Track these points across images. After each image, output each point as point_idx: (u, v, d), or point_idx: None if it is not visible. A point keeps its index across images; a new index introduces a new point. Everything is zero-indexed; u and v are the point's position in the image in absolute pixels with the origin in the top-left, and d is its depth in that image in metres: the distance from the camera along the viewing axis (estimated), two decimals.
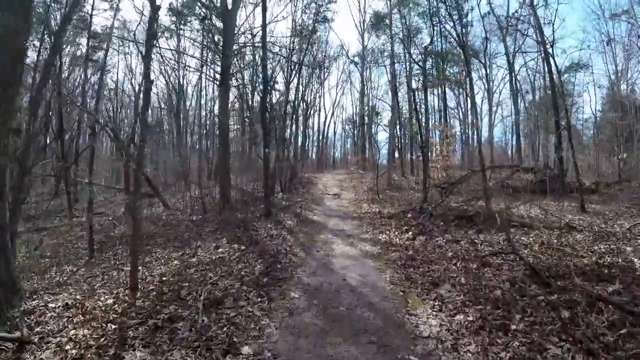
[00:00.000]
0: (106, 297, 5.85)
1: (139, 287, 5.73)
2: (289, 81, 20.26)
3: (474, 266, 6.32)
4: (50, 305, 5.94)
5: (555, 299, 4.80)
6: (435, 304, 4.74)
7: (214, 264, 6.49)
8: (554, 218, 9.91)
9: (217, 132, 18.13)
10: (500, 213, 9.35)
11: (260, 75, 17.40)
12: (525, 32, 20.56)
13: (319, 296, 4.98)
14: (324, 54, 29.74)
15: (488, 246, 7.58)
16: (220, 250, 7.44)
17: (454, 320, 4.27)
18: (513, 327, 4.08)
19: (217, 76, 15.38)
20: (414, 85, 28.11)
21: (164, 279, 6.02)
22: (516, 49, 24.54)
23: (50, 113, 16.86)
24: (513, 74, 25.19)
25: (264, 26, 11.26)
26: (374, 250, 7.85)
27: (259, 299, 4.73)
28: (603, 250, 6.87)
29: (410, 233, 9.14)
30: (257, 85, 21.20)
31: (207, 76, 20.18)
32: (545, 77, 25.61)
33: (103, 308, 5.36)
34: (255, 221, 10.48)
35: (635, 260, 6.17)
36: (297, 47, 21.14)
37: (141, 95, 5.93)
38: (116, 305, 5.33)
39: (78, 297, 6.20)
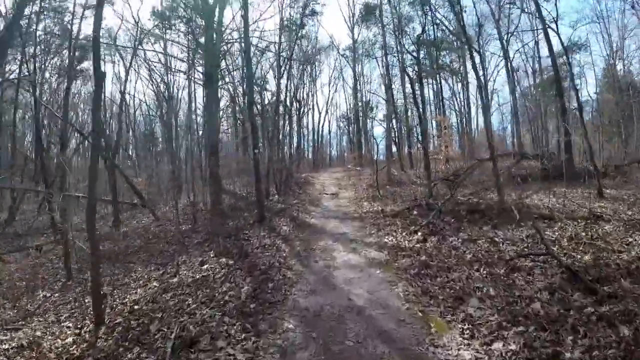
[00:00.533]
0: (68, 333, 4.95)
1: (105, 320, 4.80)
2: (279, 78, 19.30)
3: (501, 272, 5.40)
4: (2, 346, 5.06)
5: (609, 311, 3.90)
6: (465, 327, 3.79)
7: (196, 285, 5.55)
8: (574, 206, 9.00)
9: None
10: (517, 205, 8.42)
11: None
12: (526, 9, 19.45)
13: (318, 325, 4.02)
14: (314, 49, 28.73)
15: (511, 245, 6.64)
16: (205, 267, 6.50)
17: (491, 350, 3.35)
18: (567, 355, 3.18)
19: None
20: (407, 77, 27.32)
21: (135, 307, 5.08)
22: (509, 34, 23.61)
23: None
24: (508, 60, 24.21)
25: (245, 14, 10.32)
26: (381, 256, 6.90)
27: (243, 335, 3.76)
28: None
29: (419, 234, 8.19)
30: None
31: (195, 79, 19.22)
32: (541, 61, 24.95)
33: (60, 349, 4.46)
34: (248, 229, 9.54)
35: None
36: (286, 45, 20.21)
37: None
38: (75, 346, 4.43)
39: (39, 333, 5.31)
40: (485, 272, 5.47)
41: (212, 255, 7.22)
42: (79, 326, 5.10)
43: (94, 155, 4.50)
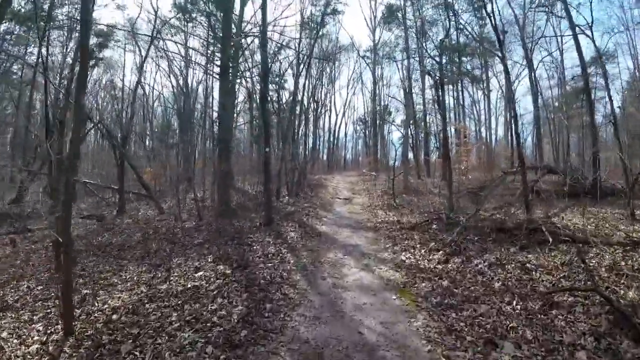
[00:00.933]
0: (34, 339, 4.33)
1: (75, 330, 4.16)
2: (297, 77, 18.63)
3: (537, 307, 4.57)
4: None
5: None
6: None
7: (184, 296, 4.87)
8: (607, 229, 8.00)
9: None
10: (548, 225, 7.50)
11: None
12: (557, 14, 18.28)
13: None
14: (334, 49, 28.03)
15: (545, 273, 5.74)
16: (199, 274, 5.81)
17: None
18: None
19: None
20: (427, 82, 26.47)
21: (113, 317, 4.44)
22: (533, 42, 22.39)
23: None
24: (532, 69, 22.95)
25: (264, 4, 9.65)
26: (397, 277, 6.11)
27: None
28: None
29: (440, 252, 7.38)
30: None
31: (212, 73, 18.73)
32: (564, 71, 23.70)
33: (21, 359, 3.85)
34: (253, 232, 8.85)
35: None
36: (306, 43, 19.58)
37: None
38: (37, 358, 3.80)
39: (5, 334, 4.71)
40: (518, 306, 4.65)
41: (209, 260, 6.54)
42: (48, 331, 4.48)
43: (75, 137, 3.86)
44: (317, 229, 10.02)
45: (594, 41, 14.34)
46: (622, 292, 4.70)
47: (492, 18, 9.55)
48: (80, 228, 11.87)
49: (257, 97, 19.81)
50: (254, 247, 7.47)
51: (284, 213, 11.31)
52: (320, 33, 20.72)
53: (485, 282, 5.62)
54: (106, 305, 4.91)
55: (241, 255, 6.70)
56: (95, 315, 4.65)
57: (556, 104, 25.55)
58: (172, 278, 5.76)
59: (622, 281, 5.05)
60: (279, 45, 15.32)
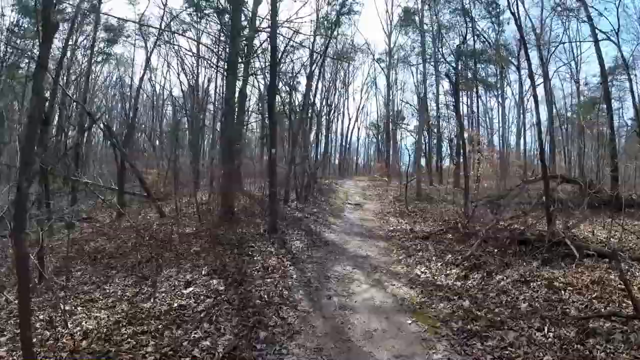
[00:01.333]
0: None
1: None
2: (309, 78, 17.99)
3: (571, 334, 3.85)
4: None
5: None
6: None
7: (167, 319, 4.22)
8: (631, 242, 7.37)
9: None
10: (572, 238, 6.70)
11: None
12: (582, 18, 17.38)
13: None
14: (349, 50, 27.35)
15: (575, 293, 4.96)
16: (189, 290, 5.16)
17: None
18: None
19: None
20: (442, 88, 25.79)
21: (82, 344, 3.79)
22: (549, 52, 21.68)
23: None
24: (547, 79, 22.23)
25: None
26: (413, 296, 5.40)
27: None
28: None
29: (459, 267, 6.63)
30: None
31: (221, 69, 18.17)
32: (579, 81, 23.35)
33: None
34: (256, 239, 8.20)
35: None
36: (320, 43, 18.98)
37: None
38: None
39: None
40: (551, 334, 3.91)
41: (203, 273, 5.88)
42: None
43: (32, 127, 3.26)
44: (325, 237, 9.38)
45: (619, 47, 13.53)
46: None
47: (517, 17, 8.76)
48: (76, 232, 11.35)
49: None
50: (255, 258, 6.80)
51: (291, 219, 10.68)
52: (335, 33, 20.15)
53: (510, 303, 4.89)
54: (79, 328, 4.27)
55: (239, 268, 6.03)
56: (64, 340, 4.02)
57: (569, 113, 25.17)
58: (158, 294, 5.11)
59: None
60: (292, 44, 14.63)
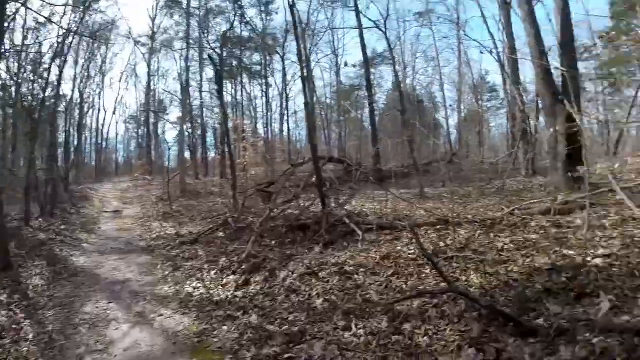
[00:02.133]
0: None
1: None
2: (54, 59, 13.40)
3: (383, 325, 3.29)
4: None
5: None
6: None
7: None
8: (406, 211, 7.49)
9: None
10: (350, 217, 6.60)
11: None
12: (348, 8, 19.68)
13: None
14: (106, 28, 21.95)
15: (369, 274, 4.37)
16: None
17: None
18: None
19: None
20: (205, 76, 24.84)
21: None
22: (314, 44, 24.16)
23: None
24: (309, 67, 24.68)
25: None
26: (188, 325, 4.12)
27: None
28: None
29: (237, 273, 5.55)
30: None
31: None
32: (338, 70, 26.75)
33: None
34: None
35: None
36: (72, 18, 14.71)
37: None
38: None
39: None
40: (361, 331, 3.28)
41: None
42: None
43: None
44: (73, 263, 7.31)
45: (386, 35, 15.58)
46: (463, 278, 3.86)
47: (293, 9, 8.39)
48: None
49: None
50: None
51: (31, 245, 7.91)
52: (89, 4, 15.54)
53: (303, 304, 4.15)
54: None
55: None
56: None
57: (328, 100, 28.31)
58: None
59: (455, 265, 4.21)
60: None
